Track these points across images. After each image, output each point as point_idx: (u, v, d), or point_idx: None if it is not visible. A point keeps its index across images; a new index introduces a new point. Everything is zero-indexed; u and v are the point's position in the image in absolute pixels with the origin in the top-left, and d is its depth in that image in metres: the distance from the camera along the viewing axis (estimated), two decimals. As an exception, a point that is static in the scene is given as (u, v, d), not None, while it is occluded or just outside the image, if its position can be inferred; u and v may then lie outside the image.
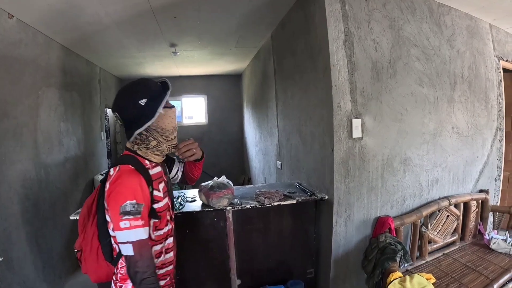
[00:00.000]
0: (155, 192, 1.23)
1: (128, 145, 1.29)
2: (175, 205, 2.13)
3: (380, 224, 2.32)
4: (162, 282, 1.27)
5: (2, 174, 2.40)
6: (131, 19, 2.89)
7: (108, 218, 1.19)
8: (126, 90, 1.25)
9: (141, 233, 1.11)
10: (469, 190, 2.85)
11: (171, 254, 1.38)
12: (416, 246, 2.54)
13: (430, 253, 2.64)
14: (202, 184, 2.22)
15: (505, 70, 3.45)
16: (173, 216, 1.44)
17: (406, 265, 2.41)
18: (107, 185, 1.17)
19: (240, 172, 6.68)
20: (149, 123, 1.19)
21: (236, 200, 2.24)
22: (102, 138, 4.82)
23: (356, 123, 2.20)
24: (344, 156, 2.19)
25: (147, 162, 1.27)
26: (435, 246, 2.67)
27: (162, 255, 1.31)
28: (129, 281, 1.15)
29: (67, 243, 3.38)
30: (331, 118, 2.17)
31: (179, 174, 1.60)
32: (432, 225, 2.61)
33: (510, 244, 2.70)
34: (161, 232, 1.28)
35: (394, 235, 2.32)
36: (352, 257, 2.34)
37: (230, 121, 7.05)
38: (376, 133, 2.28)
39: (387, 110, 2.32)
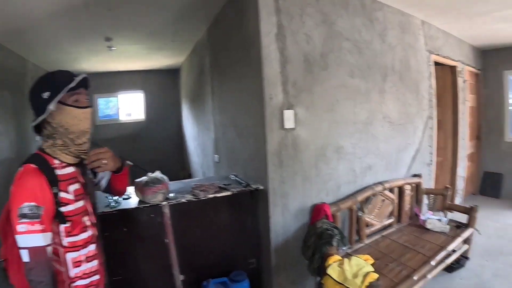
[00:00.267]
0: (63, 194, 1.15)
1: (43, 142, 1.22)
2: (110, 204, 2.09)
3: (316, 211, 2.41)
4: None
5: None
6: (64, 11, 2.77)
7: None
8: (36, 82, 1.18)
9: (38, 239, 1.04)
10: (402, 175, 3.03)
11: (95, 263, 1.28)
12: (354, 230, 2.66)
13: (369, 236, 2.78)
14: (136, 180, 2.19)
15: (437, 64, 3.70)
16: (95, 222, 1.33)
17: (344, 248, 2.52)
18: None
19: (181, 168, 6.59)
20: (40, 119, 1.13)
21: (171, 194, 2.23)
22: (37, 139, 4.50)
23: (288, 114, 2.26)
24: (277, 146, 2.24)
25: (56, 161, 1.19)
26: (373, 229, 2.81)
27: (83, 264, 1.21)
28: None
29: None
30: (264, 110, 2.21)
31: (103, 183, 1.45)
32: (368, 209, 2.75)
33: (445, 223, 2.92)
34: (76, 239, 1.19)
35: (332, 220, 2.41)
36: (292, 245, 2.41)
37: (168, 117, 6.91)
38: (308, 123, 2.36)
39: (319, 101, 2.41)
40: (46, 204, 1.08)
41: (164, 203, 2.14)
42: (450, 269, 2.80)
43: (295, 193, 2.35)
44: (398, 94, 2.91)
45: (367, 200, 2.72)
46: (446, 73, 4.00)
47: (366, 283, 1.87)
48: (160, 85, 6.91)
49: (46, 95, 1.12)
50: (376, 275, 1.92)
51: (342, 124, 2.52)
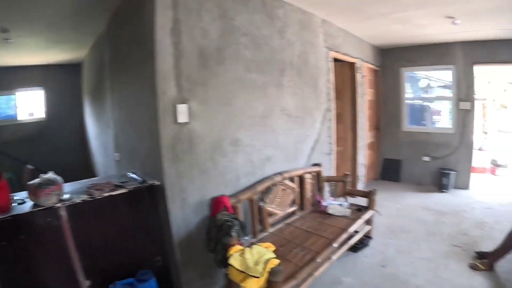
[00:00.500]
0: None
1: None
2: None
3: (216, 203, 2.43)
4: None
5: None
6: None
7: None
8: None
9: None
10: (302, 165, 3.22)
11: None
12: (257, 220, 2.74)
13: (273, 225, 2.89)
14: (29, 182, 2.00)
15: (337, 60, 4.01)
16: None
17: (247, 238, 2.59)
18: None
19: (85, 169, 6.22)
20: None
21: (66, 196, 2.09)
22: None
23: (181, 108, 2.24)
24: (171, 141, 2.21)
25: None
26: (276, 218, 2.93)
27: None
28: None
29: None
30: (157, 104, 2.16)
31: None
32: (270, 199, 2.86)
33: (346, 208, 3.18)
34: None
35: (232, 212, 2.46)
36: (195, 239, 2.41)
37: (71, 115, 6.39)
38: (204, 117, 2.36)
39: (214, 95, 2.43)
40: None
41: (59, 205, 1.99)
42: (355, 249, 3.05)
43: (193, 187, 2.35)
44: (296, 88, 3.08)
45: (267, 190, 2.83)
46: (345, 69, 4.36)
47: (268, 269, 1.95)
48: (62, 81, 6.27)
49: None
50: (277, 261, 2.01)
51: (238, 117, 2.58)
